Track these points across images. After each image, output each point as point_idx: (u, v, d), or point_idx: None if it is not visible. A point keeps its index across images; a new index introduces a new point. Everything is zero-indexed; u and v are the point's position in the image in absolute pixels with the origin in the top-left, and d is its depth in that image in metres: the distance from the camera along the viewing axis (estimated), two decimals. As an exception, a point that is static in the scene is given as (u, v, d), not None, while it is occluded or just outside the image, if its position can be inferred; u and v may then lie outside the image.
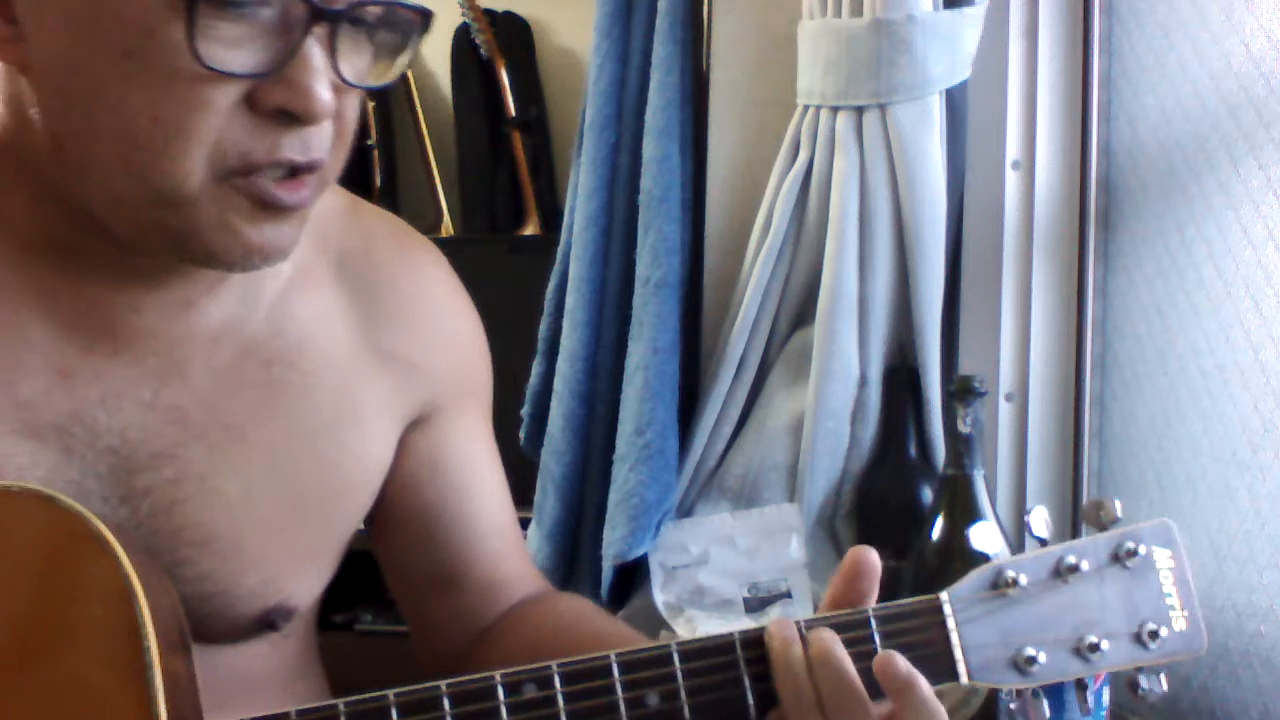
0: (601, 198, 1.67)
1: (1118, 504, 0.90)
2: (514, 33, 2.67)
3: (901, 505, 1.52)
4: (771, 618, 1.48)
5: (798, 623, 0.84)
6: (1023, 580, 0.87)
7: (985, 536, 0.92)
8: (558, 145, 2.66)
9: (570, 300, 1.68)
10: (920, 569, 1.32)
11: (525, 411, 1.75)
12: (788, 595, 1.53)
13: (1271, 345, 1.29)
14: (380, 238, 1.04)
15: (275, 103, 0.80)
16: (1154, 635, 0.87)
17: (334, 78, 0.81)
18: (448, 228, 2.66)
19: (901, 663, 0.82)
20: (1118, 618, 0.87)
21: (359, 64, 0.84)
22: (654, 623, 1.54)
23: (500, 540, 1.10)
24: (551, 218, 2.57)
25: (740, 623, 1.49)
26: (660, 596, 1.56)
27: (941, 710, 0.83)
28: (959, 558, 1.30)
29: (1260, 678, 1.27)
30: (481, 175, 2.68)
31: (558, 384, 1.68)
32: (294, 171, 0.83)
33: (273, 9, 0.79)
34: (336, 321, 0.99)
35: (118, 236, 0.84)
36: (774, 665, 0.83)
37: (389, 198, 2.68)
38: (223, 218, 0.82)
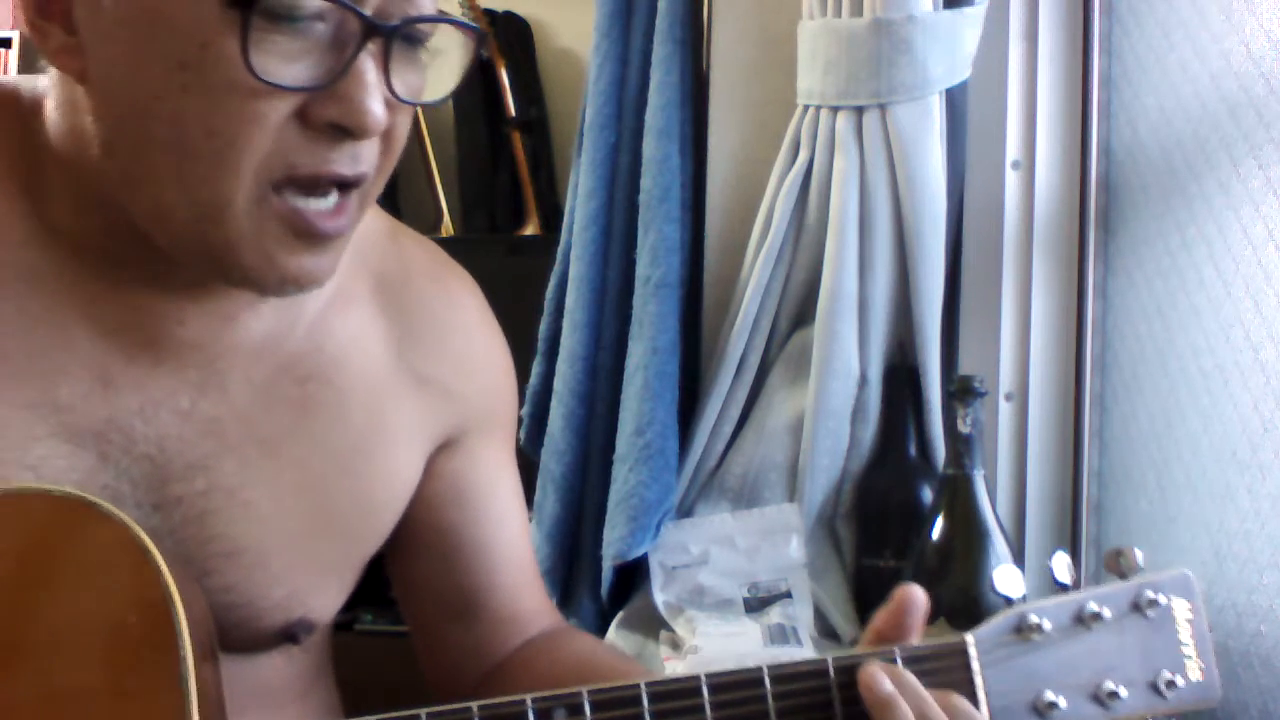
0: (601, 198, 1.67)
1: (1139, 553, 0.91)
2: (514, 33, 2.68)
3: (901, 505, 1.52)
4: (772, 618, 1.49)
5: (835, 658, 0.86)
6: (1046, 626, 0.88)
7: (1008, 580, 0.93)
8: (558, 145, 2.66)
9: (570, 300, 1.68)
10: (920, 569, 1.32)
11: (525, 411, 1.75)
12: (788, 595, 1.53)
13: (1271, 345, 1.29)
14: (418, 263, 1.05)
15: (328, 117, 0.80)
16: (1170, 685, 0.89)
17: (386, 93, 0.81)
18: (448, 228, 2.66)
19: (884, 682, 0.84)
20: (1136, 666, 0.89)
21: (412, 80, 0.84)
22: (654, 623, 1.54)
23: (519, 573, 1.11)
24: (551, 218, 2.57)
25: (740, 623, 1.49)
26: (660, 596, 1.56)
27: None
28: (959, 558, 1.30)
29: (1260, 678, 1.27)
30: (481, 175, 2.68)
31: (558, 384, 1.68)
32: (341, 187, 0.83)
33: (327, 24, 0.79)
34: (373, 342, 1.00)
35: (160, 248, 0.85)
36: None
37: (389, 198, 2.66)
38: (261, 243, 0.82)
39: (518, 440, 1.73)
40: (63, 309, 0.87)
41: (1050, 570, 0.92)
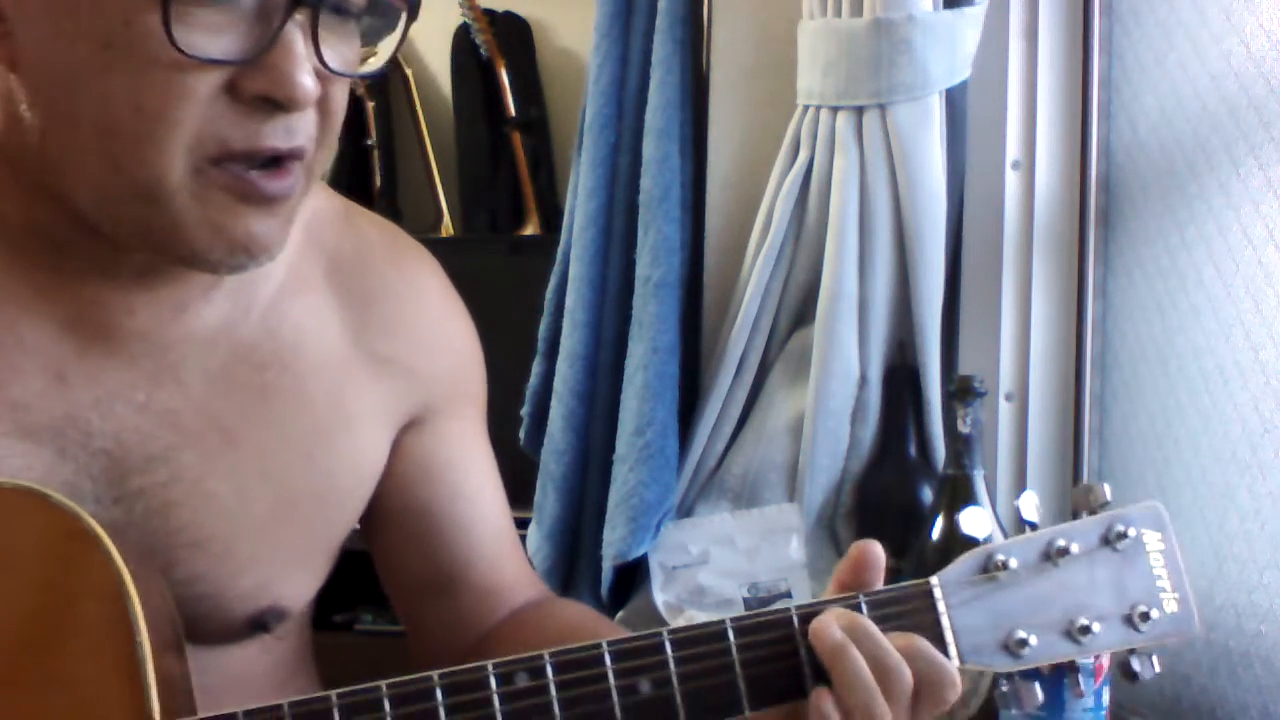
0: (601, 198, 1.67)
1: (1107, 488, 0.90)
2: (514, 33, 2.67)
3: (901, 505, 1.52)
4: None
5: (798, 607, 0.85)
6: (1013, 564, 0.87)
7: (975, 521, 0.92)
8: (558, 145, 2.66)
9: (570, 300, 1.68)
10: (920, 569, 1.31)
11: (525, 411, 1.75)
12: (788, 595, 1.53)
13: (1271, 345, 1.29)
14: (373, 242, 1.04)
15: (256, 90, 0.79)
16: (1145, 617, 0.88)
17: (317, 65, 0.81)
18: (448, 228, 2.66)
19: (833, 630, 0.83)
20: (1108, 600, 0.88)
21: (345, 52, 0.83)
22: (654, 623, 1.54)
23: (497, 544, 1.10)
24: (551, 218, 2.57)
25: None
26: (660, 596, 1.56)
27: (903, 676, 0.82)
28: (958, 558, 1.30)
29: (1260, 678, 1.27)
30: (481, 175, 2.68)
31: (558, 384, 1.68)
32: (278, 161, 0.82)
33: None
34: (329, 325, 0.99)
35: (106, 234, 0.84)
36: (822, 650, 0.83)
37: (389, 198, 2.68)
38: (205, 214, 0.81)
39: (518, 440, 1.74)
40: (10, 305, 0.87)
41: (1017, 509, 0.91)
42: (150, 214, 0.81)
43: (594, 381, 1.67)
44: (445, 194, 2.66)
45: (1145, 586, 0.88)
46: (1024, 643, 0.86)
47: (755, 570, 1.55)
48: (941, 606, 0.86)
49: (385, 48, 0.87)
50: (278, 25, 0.79)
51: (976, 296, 1.56)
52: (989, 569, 0.87)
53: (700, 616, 1.50)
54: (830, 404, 1.54)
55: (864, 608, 0.85)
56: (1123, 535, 0.88)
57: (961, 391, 1.29)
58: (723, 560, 1.56)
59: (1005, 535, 1.32)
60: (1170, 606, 0.88)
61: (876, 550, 0.87)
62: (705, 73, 1.67)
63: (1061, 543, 0.87)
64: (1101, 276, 1.55)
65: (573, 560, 1.68)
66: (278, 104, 0.80)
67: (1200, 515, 1.36)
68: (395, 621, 1.17)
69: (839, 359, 1.54)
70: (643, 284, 1.61)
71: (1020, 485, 1.56)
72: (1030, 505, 0.91)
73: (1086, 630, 0.87)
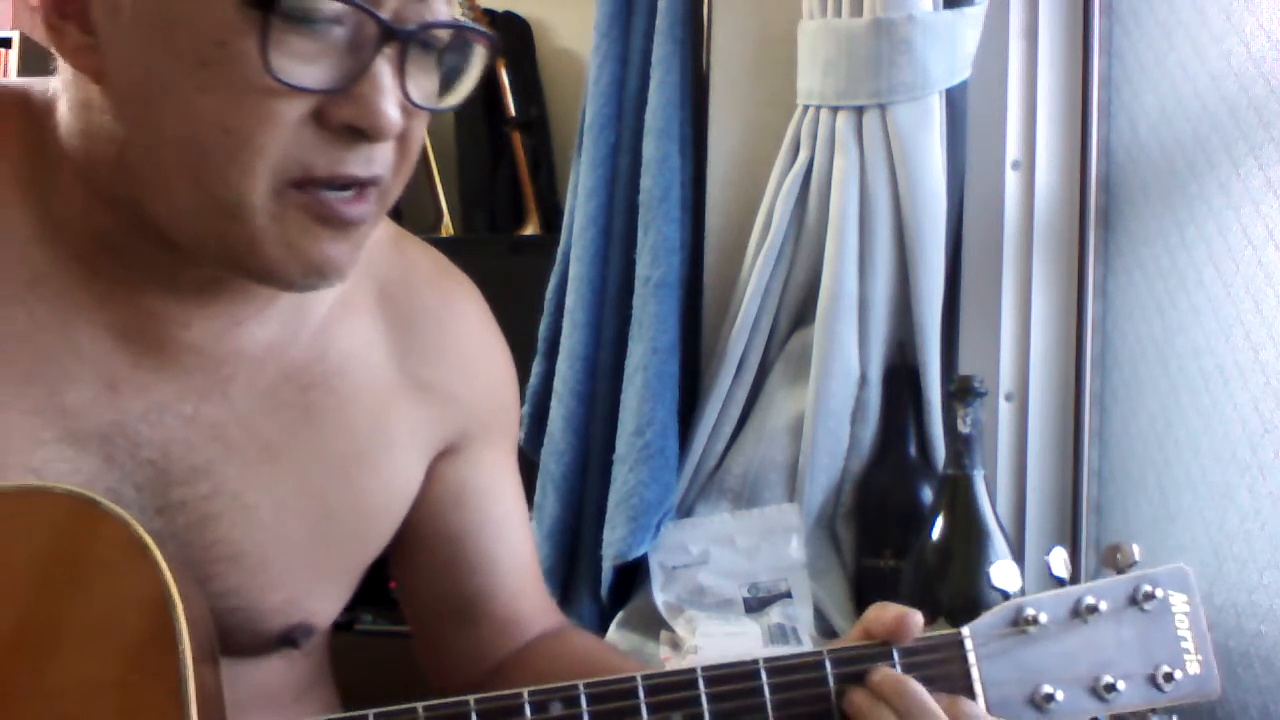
0: (601, 198, 1.67)
1: (1136, 548, 0.92)
2: (514, 33, 2.68)
3: (901, 505, 1.52)
4: (772, 618, 1.49)
5: (830, 651, 0.86)
6: (1043, 619, 0.88)
7: (1005, 575, 0.93)
8: (558, 145, 2.66)
9: (570, 300, 1.68)
10: (920, 569, 1.32)
11: (525, 411, 1.75)
12: (788, 595, 1.53)
13: (1271, 345, 1.29)
14: (420, 270, 1.06)
15: (344, 119, 0.81)
16: (1169, 678, 0.89)
17: (402, 98, 0.82)
18: (448, 228, 2.66)
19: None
20: (1134, 659, 0.89)
21: (427, 86, 0.85)
22: (654, 623, 1.54)
23: (521, 576, 1.11)
24: (551, 218, 2.57)
25: (740, 623, 1.49)
26: (660, 596, 1.56)
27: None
28: (959, 558, 1.30)
29: (1260, 678, 1.27)
30: (481, 175, 2.68)
31: (558, 384, 1.68)
32: (356, 186, 0.84)
33: (345, 27, 0.80)
34: (375, 350, 1.00)
35: (179, 247, 0.85)
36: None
37: (389, 198, 2.68)
38: (283, 233, 0.82)
39: (517, 440, 1.74)
40: (70, 312, 0.88)
41: (1047, 565, 0.92)
42: (228, 230, 0.82)
43: (594, 381, 1.67)
44: (445, 194, 2.67)
45: (1170, 647, 0.90)
46: (1050, 698, 0.87)
47: (755, 570, 1.55)
48: (972, 658, 0.87)
49: (464, 83, 0.89)
50: (368, 57, 0.80)
51: (976, 296, 1.56)
52: (1019, 622, 0.88)
53: (700, 616, 1.50)
54: (830, 404, 1.54)
55: (896, 655, 0.87)
56: (1150, 596, 0.90)
57: (961, 391, 1.29)
58: (723, 560, 1.56)
59: (1005, 535, 1.32)
60: (1193, 668, 0.90)
61: (918, 621, 0.89)
62: (705, 73, 1.67)
63: (1091, 600, 0.89)
64: (1101, 276, 1.55)
65: (573, 560, 1.68)
66: (363, 133, 0.81)
67: (1200, 515, 1.36)
68: (395, 621, 1.17)
69: (839, 359, 1.54)
70: (643, 284, 1.61)
71: (1020, 485, 1.56)
72: (1060, 561, 0.92)
73: (1112, 688, 0.88)
